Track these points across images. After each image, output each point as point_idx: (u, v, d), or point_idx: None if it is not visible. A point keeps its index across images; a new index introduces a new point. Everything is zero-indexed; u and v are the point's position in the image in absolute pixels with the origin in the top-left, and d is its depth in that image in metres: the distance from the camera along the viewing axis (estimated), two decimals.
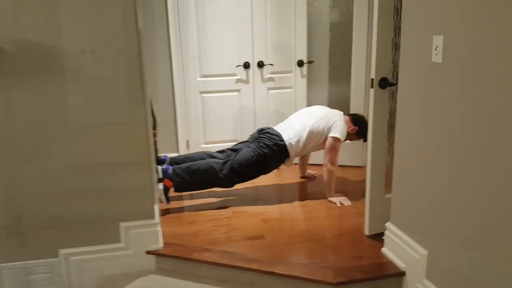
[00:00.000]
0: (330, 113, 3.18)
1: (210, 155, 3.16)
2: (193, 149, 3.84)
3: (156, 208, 2.43)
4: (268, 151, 3.01)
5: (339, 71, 3.76)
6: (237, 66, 3.80)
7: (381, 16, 2.33)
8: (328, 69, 3.77)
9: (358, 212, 2.85)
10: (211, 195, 3.26)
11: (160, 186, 2.89)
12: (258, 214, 2.93)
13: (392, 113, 2.47)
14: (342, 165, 3.45)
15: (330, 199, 3.11)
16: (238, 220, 2.84)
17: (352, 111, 3.74)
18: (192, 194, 3.27)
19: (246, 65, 3.79)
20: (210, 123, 3.85)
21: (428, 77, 1.87)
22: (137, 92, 2.19)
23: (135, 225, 2.34)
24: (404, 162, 2.15)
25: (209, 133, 3.85)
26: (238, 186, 3.17)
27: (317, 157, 3.69)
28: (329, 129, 3.09)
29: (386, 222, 2.34)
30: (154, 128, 2.94)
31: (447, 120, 1.76)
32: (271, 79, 3.89)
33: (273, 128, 3.16)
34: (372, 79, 2.38)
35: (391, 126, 2.50)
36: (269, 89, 3.90)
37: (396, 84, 2.35)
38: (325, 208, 2.99)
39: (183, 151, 3.81)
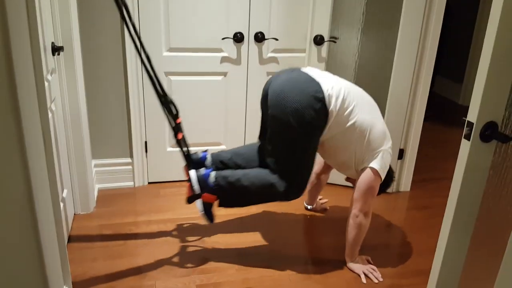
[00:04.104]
0: (385, 134, 1.97)
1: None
2: (154, 154, 2.70)
3: None
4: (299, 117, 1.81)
5: (375, 57, 2.56)
6: (223, 39, 2.56)
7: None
8: (358, 53, 2.56)
9: None
10: (168, 221, 2.19)
11: (198, 204, 1.90)
12: None
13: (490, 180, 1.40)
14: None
15: (351, 266, 2.06)
16: None
17: (387, 121, 2.60)
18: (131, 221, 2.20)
19: (238, 38, 2.56)
20: (180, 118, 2.66)
21: None
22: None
23: None
24: None
25: None
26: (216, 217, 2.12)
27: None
28: (372, 155, 1.94)
29: None
30: (177, 116, 1.98)
31: None
32: (273, 59, 2.67)
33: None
34: (470, 124, 1.26)
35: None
36: (269, 74, 2.69)
37: None
38: (344, 286, 1.93)
39: (138, 157, 2.66)
